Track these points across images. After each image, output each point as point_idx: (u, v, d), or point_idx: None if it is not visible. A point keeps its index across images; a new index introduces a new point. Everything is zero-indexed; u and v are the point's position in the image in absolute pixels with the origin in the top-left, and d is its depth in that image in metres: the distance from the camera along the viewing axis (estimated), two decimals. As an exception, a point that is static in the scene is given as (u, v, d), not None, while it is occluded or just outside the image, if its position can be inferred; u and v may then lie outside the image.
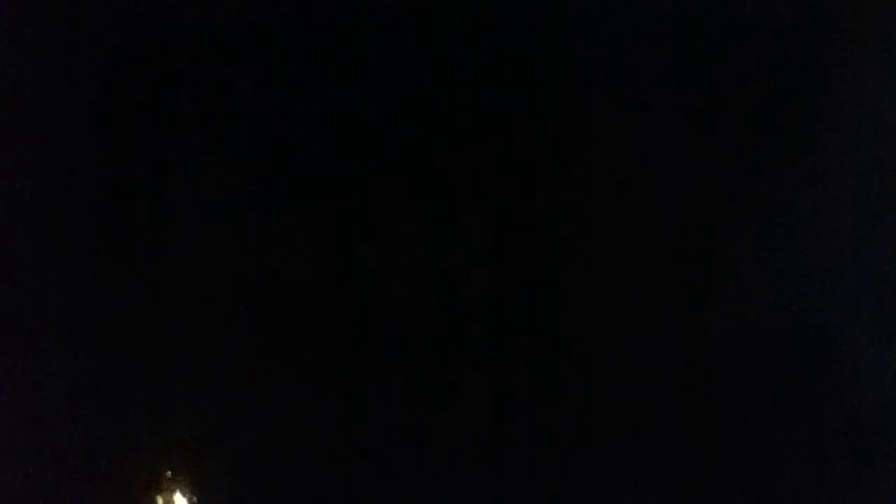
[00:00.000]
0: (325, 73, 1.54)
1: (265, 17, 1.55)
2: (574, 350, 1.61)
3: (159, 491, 1.58)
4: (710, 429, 1.64)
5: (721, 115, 1.60)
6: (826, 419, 1.65)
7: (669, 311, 1.60)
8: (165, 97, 1.56)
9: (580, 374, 1.62)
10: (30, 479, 1.53)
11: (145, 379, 1.55)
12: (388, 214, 1.60)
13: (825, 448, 1.66)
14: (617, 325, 1.62)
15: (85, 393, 1.54)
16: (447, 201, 1.62)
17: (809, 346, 1.63)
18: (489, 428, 1.64)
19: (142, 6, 1.53)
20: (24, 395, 1.53)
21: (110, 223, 1.55)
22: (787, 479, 1.67)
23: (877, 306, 1.65)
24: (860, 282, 1.64)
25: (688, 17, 1.58)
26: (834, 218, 1.63)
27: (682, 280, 1.62)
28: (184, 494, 1.58)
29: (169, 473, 1.58)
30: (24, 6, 1.52)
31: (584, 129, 1.57)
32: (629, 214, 1.58)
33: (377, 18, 1.54)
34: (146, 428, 1.56)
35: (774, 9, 1.58)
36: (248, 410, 1.55)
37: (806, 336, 1.64)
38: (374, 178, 1.58)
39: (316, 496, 1.60)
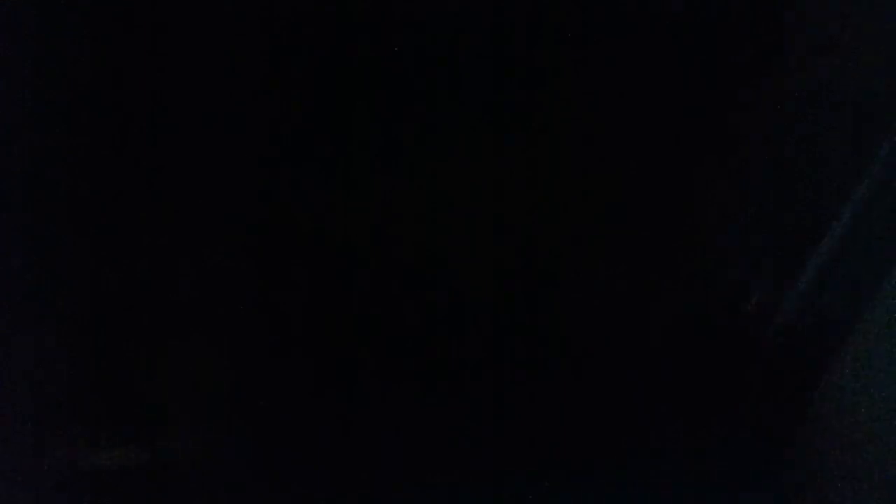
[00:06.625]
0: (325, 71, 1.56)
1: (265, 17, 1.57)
2: (573, 345, 1.63)
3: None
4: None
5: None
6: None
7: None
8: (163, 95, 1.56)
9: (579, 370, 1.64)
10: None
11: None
12: (384, 212, 1.61)
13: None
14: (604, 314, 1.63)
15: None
16: (442, 197, 1.64)
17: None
18: (488, 427, 1.65)
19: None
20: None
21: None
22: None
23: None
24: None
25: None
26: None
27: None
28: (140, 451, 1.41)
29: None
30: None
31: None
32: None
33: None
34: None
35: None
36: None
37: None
38: (368, 175, 1.60)
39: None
